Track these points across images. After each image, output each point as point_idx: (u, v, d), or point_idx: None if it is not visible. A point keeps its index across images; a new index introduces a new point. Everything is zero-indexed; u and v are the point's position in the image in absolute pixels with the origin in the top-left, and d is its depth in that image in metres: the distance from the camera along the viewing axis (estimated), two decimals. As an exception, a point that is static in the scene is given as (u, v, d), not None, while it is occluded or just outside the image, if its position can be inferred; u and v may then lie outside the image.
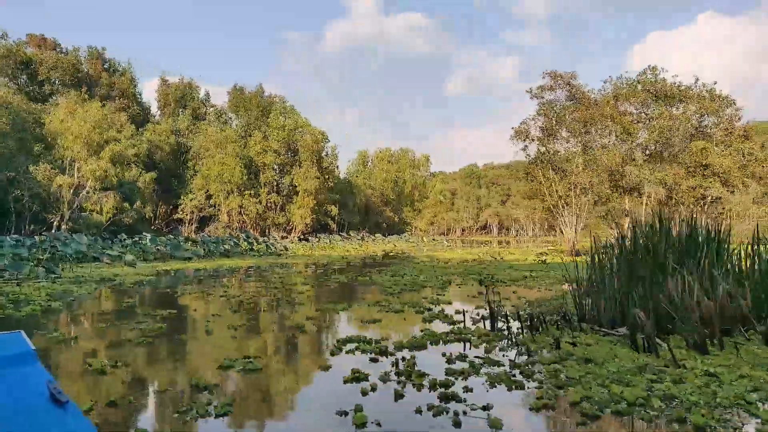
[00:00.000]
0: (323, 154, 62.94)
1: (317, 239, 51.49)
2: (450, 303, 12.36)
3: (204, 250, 29.65)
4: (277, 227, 59.68)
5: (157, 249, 28.09)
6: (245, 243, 36.41)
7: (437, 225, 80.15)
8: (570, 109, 28.91)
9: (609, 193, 29.15)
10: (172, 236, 37.01)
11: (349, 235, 61.42)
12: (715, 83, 30.36)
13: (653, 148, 29.95)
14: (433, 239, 70.58)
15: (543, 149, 31.29)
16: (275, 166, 59.09)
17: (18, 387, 2.18)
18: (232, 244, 33.25)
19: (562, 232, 31.53)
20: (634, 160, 28.71)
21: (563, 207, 29.72)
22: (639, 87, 30.38)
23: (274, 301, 12.80)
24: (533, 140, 31.91)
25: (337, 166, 66.54)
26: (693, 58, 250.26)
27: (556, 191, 29.70)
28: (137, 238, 30.97)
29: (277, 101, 64.24)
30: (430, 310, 11.17)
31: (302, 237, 54.41)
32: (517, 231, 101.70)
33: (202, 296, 13.70)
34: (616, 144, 28.76)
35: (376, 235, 64.15)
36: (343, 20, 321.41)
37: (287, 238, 54.67)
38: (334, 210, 61.31)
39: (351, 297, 14.08)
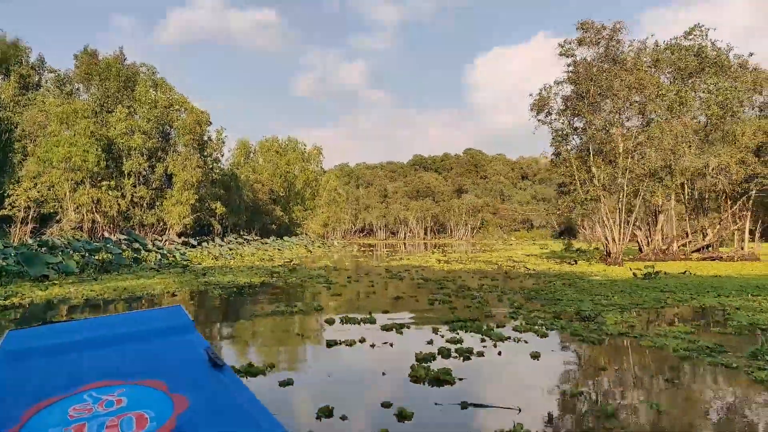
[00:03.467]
0: (206, 138, 50.99)
1: (210, 244, 39.92)
2: None
3: (77, 263, 18.02)
4: (145, 228, 46.64)
5: (-11, 263, 16.02)
6: (128, 250, 24.72)
7: (332, 226, 71.06)
8: (612, 72, 21.99)
9: (650, 183, 22.74)
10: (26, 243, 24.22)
11: (255, 238, 50.30)
12: (752, 55, 25.72)
13: (707, 126, 24.36)
14: (338, 242, 61.70)
15: (579, 125, 24.10)
16: (144, 151, 46.02)
17: (181, 351, 2.33)
18: (116, 252, 21.53)
19: (585, 230, 24.24)
20: (687, 142, 22.65)
21: (603, 200, 22.74)
22: (675, 54, 24.66)
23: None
24: (550, 113, 24.60)
25: (222, 155, 54.66)
26: (530, 73, 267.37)
27: (598, 179, 22.67)
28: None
29: (145, 71, 50.83)
30: None
31: (198, 242, 42.28)
32: (406, 234, 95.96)
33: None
34: (669, 119, 22.51)
35: (284, 238, 53.45)
36: (185, 10, 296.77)
37: (163, 242, 42.13)
38: (220, 208, 49.58)
39: None
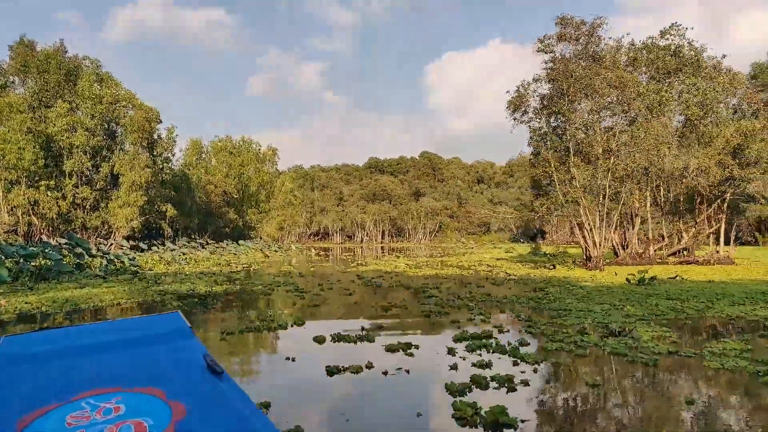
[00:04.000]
0: (155, 137, 48.19)
1: (161, 248, 37.40)
2: None
3: (10, 270, 15.79)
4: (89, 231, 43.56)
5: None
6: (69, 255, 22.40)
7: (287, 230, 68.71)
8: (592, 69, 21.08)
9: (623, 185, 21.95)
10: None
11: (210, 241, 47.68)
12: (724, 56, 25.41)
13: (685, 127, 23.83)
14: (295, 247, 59.59)
15: (557, 124, 23.12)
16: (88, 149, 42.97)
17: (179, 357, 2.29)
18: (56, 258, 19.20)
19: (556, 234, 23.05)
20: (666, 143, 22.00)
21: (583, 202, 21.68)
22: (653, 53, 24.12)
23: None
24: (526, 111, 23.48)
25: (173, 154, 51.73)
26: (483, 79, 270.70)
27: (579, 180, 21.62)
28: None
29: (89, 65, 47.61)
30: None
31: (148, 246, 39.54)
32: (363, 237, 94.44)
33: None
34: (650, 119, 21.75)
35: (240, 242, 50.75)
36: (134, 8, 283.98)
37: (108, 246, 39.25)
38: (170, 210, 46.85)
39: None
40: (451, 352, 7.17)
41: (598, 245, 21.66)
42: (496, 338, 8.02)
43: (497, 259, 31.62)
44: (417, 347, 7.51)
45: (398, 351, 7.32)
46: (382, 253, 52.40)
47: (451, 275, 20.84)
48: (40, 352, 2.35)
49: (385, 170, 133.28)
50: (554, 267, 22.42)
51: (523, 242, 69.99)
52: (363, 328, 8.89)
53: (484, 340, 7.77)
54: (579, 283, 16.19)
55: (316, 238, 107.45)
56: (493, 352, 7.15)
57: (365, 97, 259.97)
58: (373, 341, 8.01)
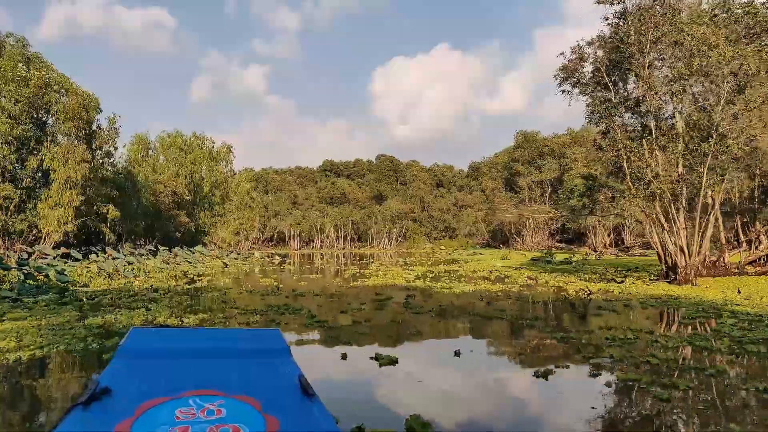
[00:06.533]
0: (94, 127, 41.79)
1: (101, 256, 31.25)
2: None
3: None
4: (13, 237, 36.78)
5: None
6: (-27, 268, 16.58)
7: (244, 235, 62.61)
8: (678, 25, 16.71)
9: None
10: None
11: (163, 248, 41.34)
12: None
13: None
14: (258, 254, 53.74)
15: (624, 93, 18.58)
16: (11, 139, 36.40)
17: (276, 374, 2.44)
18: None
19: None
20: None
21: (672, 200, 17.14)
22: (739, 9, 19.80)
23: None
24: (580, 81, 18.84)
25: (116, 148, 45.07)
26: (427, 85, 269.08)
27: (661, 168, 17.08)
28: None
29: (13, 43, 40.87)
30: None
31: (84, 253, 33.24)
32: (322, 243, 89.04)
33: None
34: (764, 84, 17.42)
35: (197, 248, 44.46)
36: (67, 5, 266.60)
37: (30, 255, 32.70)
38: (112, 212, 40.50)
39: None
40: None
41: (686, 253, 17.15)
42: None
43: (515, 268, 26.94)
44: None
45: None
46: (353, 260, 47.34)
47: (502, 292, 16.00)
48: (160, 348, 2.60)
49: (341, 173, 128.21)
50: (623, 281, 18.01)
51: (501, 247, 66.47)
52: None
53: None
54: (728, 308, 11.54)
55: (271, 244, 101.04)
56: None
57: (312, 101, 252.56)
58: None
